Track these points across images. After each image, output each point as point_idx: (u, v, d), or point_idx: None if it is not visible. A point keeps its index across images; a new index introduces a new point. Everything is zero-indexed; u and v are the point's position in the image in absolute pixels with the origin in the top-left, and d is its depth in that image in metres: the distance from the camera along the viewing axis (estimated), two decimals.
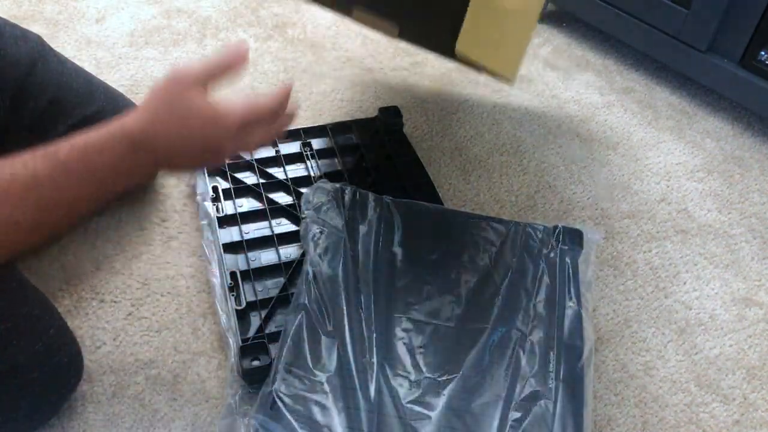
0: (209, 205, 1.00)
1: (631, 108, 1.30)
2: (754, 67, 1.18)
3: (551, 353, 0.81)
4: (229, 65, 0.64)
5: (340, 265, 0.86)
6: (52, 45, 0.95)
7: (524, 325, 0.83)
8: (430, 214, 0.92)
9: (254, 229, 0.99)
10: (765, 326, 0.99)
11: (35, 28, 1.05)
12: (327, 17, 1.46)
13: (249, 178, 1.05)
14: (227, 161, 0.85)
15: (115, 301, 0.95)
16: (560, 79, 1.34)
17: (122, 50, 1.30)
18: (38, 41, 0.92)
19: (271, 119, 0.68)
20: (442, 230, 0.91)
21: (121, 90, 1.05)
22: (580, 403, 0.78)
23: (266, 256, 0.96)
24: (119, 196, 1.04)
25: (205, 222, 1.00)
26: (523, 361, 0.80)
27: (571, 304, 0.85)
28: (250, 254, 0.96)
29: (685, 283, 1.04)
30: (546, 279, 0.87)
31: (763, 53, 1.16)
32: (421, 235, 0.90)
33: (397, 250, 0.89)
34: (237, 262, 0.95)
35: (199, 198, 1.03)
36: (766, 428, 0.89)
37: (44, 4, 1.36)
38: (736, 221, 1.13)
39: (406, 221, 0.91)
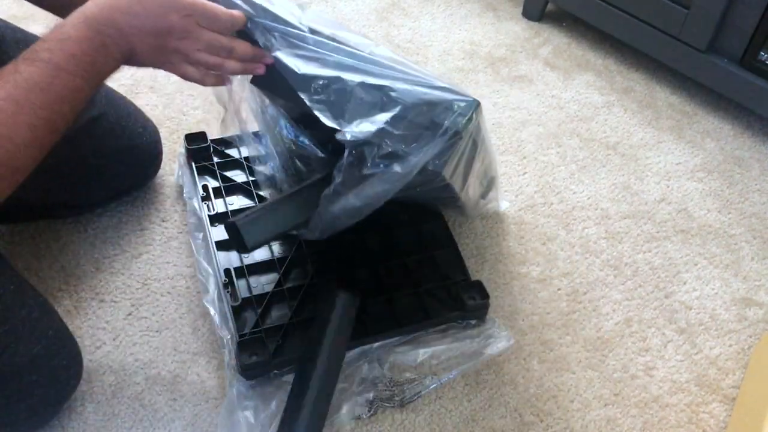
0: (196, 204, 1.01)
1: (631, 108, 1.30)
2: (754, 67, 1.18)
3: None
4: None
5: None
6: None
7: None
8: None
9: None
10: (765, 326, 0.99)
11: (35, 28, 1.05)
12: (327, 17, 1.46)
13: (239, 176, 1.05)
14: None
15: (115, 301, 0.95)
16: (560, 79, 1.34)
17: None
18: None
19: (222, 27, 0.74)
20: None
21: (121, 90, 1.05)
22: None
23: (259, 253, 0.96)
24: (117, 195, 1.05)
25: (193, 220, 1.01)
26: None
27: None
28: None
29: (685, 283, 1.04)
30: None
31: (763, 53, 1.16)
32: None
33: None
34: (230, 259, 0.95)
35: (185, 196, 1.03)
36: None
37: None
38: (736, 221, 1.13)
39: None
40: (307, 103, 0.75)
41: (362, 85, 0.76)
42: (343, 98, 0.76)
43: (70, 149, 0.92)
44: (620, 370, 0.94)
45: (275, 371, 0.86)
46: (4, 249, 0.98)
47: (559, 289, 1.02)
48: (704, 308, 1.01)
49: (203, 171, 1.05)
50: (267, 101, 0.85)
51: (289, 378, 0.87)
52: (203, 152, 1.06)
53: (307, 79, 0.76)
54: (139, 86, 1.23)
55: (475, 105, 0.79)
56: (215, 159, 1.06)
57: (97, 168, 0.97)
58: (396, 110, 0.75)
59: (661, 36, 1.25)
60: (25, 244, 1.00)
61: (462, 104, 0.78)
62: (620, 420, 0.89)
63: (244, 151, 1.07)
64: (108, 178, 1.00)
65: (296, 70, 0.76)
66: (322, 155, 0.84)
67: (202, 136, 1.07)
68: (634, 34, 1.29)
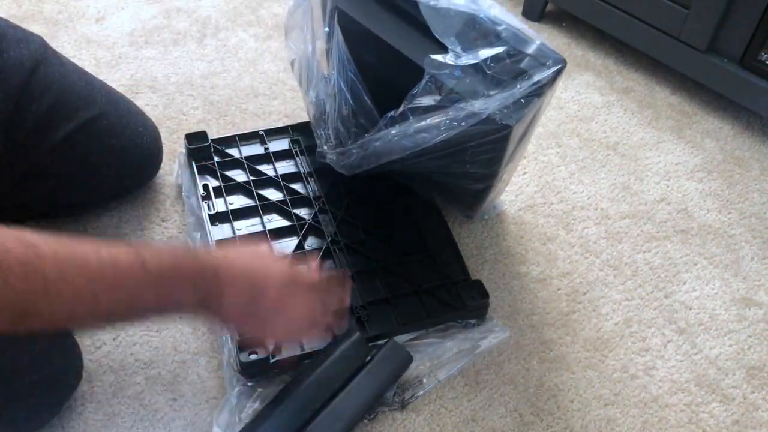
0: (195, 203, 1.01)
1: (631, 108, 1.30)
2: (754, 67, 1.18)
3: None
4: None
5: None
6: (52, 45, 0.95)
7: None
8: None
9: (246, 226, 0.99)
10: (765, 326, 0.99)
11: (35, 28, 1.05)
12: None
13: (239, 176, 1.05)
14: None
15: None
16: (560, 79, 1.34)
17: (122, 50, 1.30)
18: (41, 43, 0.92)
19: (319, 293, 0.76)
20: None
21: (121, 90, 1.05)
22: None
23: None
24: (117, 195, 1.05)
25: (191, 220, 1.01)
26: None
27: None
28: None
29: (685, 283, 1.04)
30: None
31: (763, 53, 1.16)
32: None
33: None
34: None
35: (184, 195, 1.03)
36: (766, 428, 0.90)
37: (44, 3, 1.36)
38: (736, 221, 1.13)
39: None
40: (422, 10, 0.76)
41: (475, 16, 0.77)
42: (454, 22, 0.76)
43: (71, 149, 0.92)
44: (620, 370, 0.94)
45: (275, 370, 0.86)
46: None
47: (558, 289, 1.02)
48: (704, 308, 1.01)
49: (204, 170, 1.05)
50: (341, 39, 0.83)
51: (288, 377, 0.87)
52: (204, 152, 1.06)
53: None
54: (139, 86, 1.23)
55: (564, 64, 0.79)
56: (216, 158, 1.06)
57: (97, 168, 0.97)
58: (500, 49, 0.76)
59: (661, 36, 1.25)
60: None
61: (552, 62, 0.78)
62: (620, 420, 0.89)
63: (245, 151, 1.08)
64: (108, 178, 1.00)
65: None
66: (373, 110, 0.85)
67: (202, 135, 1.07)
68: (634, 34, 1.29)
